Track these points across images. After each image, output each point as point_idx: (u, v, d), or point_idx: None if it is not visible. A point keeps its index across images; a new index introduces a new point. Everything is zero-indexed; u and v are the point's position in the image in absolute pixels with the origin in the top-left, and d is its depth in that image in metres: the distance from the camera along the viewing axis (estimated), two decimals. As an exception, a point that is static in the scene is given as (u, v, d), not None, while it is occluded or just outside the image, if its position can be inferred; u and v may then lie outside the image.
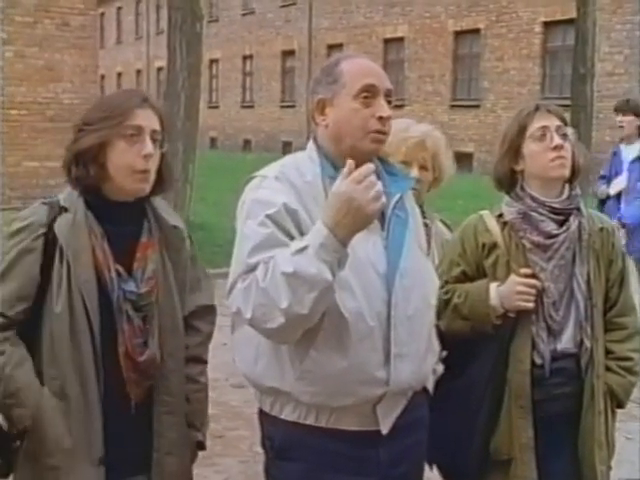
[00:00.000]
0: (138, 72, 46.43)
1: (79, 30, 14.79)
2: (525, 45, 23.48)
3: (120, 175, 2.51)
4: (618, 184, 7.23)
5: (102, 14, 41.63)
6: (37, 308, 2.49)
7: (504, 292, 2.85)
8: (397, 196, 2.53)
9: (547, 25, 22.84)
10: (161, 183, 2.64)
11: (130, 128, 2.50)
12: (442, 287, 2.90)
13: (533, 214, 2.89)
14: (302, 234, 2.33)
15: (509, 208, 2.96)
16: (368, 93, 2.45)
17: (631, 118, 7.25)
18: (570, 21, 16.60)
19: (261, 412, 2.61)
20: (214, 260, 8.94)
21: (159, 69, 40.76)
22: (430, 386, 2.69)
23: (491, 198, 3.26)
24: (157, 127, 2.56)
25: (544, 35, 23.04)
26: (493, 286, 2.88)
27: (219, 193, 14.86)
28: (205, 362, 2.85)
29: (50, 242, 2.48)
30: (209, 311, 2.85)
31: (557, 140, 2.87)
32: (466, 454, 2.89)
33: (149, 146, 2.51)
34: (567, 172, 2.91)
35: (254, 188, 2.46)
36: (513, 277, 2.85)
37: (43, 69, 14.42)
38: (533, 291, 2.83)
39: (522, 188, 2.95)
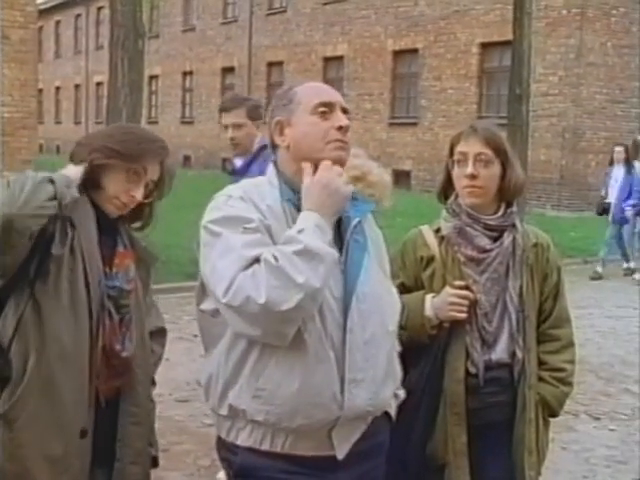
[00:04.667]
0: (77, 87, 45.94)
1: (19, 44, 14.64)
2: (463, 65, 23.77)
3: (107, 193, 2.63)
4: None
5: (40, 28, 41.14)
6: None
7: (438, 303, 2.93)
8: (356, 220, 2.51)
9: (484, 46, 23.16)
10: (136, 216, 2.77)
11: (135, 170, 2.62)
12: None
13: (468, 229, 2.98)
14: None
15: (446, 223, 3.04)
16: (325, 108, 2.46)
17: None
18: (506, 43, 16.86)
19: (219, 440, 2.57)
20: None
21: (98, 84, 40.47)
22: (392, 411, 2.67)
23: (430, 215, 3.31)
24: (155, 178, 2.70)
25: (481, 56, 23.36)
26: (428, 297, 2.96)
27: (160, 209, 14.73)
28: (155, 384, 2.93)
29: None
30: (162, 333, 2.93)
31: (469, 169, 2.92)
32: (404, 461, 2.93)
33: (140, 192, 2.65)
34: (479, 201, 2.97)
35: (221, 206, 2.42)
36: (447, 289, 2.94)
37: (-18, 82, 14.25)
38: (465, 302, 2.92)
39: (458, 204, 3.03)
